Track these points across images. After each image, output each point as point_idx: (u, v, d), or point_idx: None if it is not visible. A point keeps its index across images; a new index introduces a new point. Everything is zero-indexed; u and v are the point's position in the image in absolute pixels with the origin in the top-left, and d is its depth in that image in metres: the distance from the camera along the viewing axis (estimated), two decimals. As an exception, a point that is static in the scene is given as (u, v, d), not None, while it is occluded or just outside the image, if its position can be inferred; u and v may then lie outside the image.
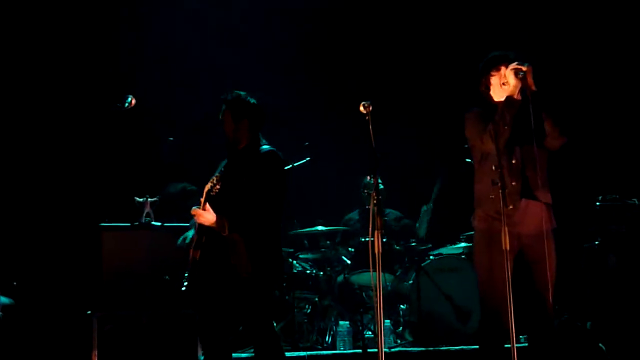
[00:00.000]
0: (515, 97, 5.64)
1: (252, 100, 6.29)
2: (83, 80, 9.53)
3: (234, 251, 5.96)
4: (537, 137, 5.58)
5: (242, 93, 6.30)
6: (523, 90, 5.63)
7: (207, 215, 5.97)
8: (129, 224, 7.14)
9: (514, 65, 5.66)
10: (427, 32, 10.47)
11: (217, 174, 6.00)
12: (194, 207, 6.02)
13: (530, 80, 5.62)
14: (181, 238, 6.36)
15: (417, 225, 9.43)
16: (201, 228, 6.06)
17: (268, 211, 6.05)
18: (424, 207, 9.36)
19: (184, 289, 6.05)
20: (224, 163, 6.31)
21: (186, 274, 6.05)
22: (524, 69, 5.61)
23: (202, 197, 5.99)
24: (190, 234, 6.24)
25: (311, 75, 10.49)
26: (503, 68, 5.81)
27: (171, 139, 8.89)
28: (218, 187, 5.95)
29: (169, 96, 9.91)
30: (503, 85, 5.79)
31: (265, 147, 6.22)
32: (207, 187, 5.96)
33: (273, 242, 6.13)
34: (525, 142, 5.64)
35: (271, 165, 6.12)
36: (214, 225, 5.96)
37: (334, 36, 10.54)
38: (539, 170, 5.64)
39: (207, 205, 5.97)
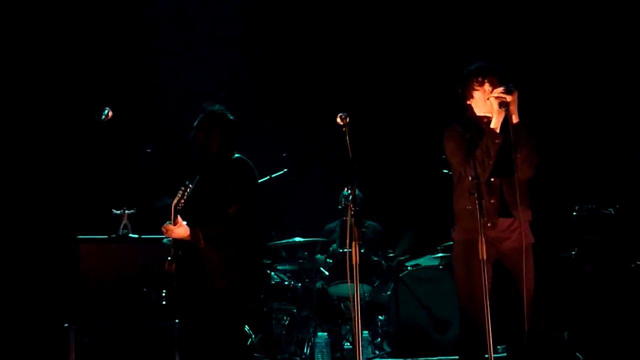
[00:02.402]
0: (497, 130, 5.65)
1: (231, 116, 6.33)
2: (60, 92, 9.49)
3: (209, 262, 5.97)
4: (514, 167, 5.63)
5: (222, 107, 6.36)
6: (504, 119, 5.65)
7: (179, 230, 5.98)
8: (106, 236, 7.12)
9: (499, 92, 5.63)
10: (407, 43, 10.49)
11: (182, 187, 6.01)
12: (165, 223, 6.02)
13: (513, 109, 5.63)
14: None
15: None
16: (177, 242, 6.06)
17: (241, 220, 6.05)
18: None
19: (164, 303, 6.06)
20: (196, 179, 6.33)
21: (165, 289, 6.06)
22: (508, 99, 5.61)
23: (171, 211, 5.99)
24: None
25: (289, 86, 10.50)
26: (487, 84, 5.79)
27: (149, 150, 8.87)
28: (183, 201, 5.97)
29: (147, 107, 9.89)
30: (487, 100, 5.77)
31: (236, 155, 6.25)
32: (174, 201, 5.98)
33: (250, 251, 6.13)
34: (505, 166, 5.66)
35: (241, 173, 6.14)
36: (188, 238, 5.97)
37: (312, 48, 10.55)
38: (518, 189, 5.65)
39: (179, 218, 5.97)
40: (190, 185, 6.05)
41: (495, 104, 5.63)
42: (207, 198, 6.11)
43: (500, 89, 5.64)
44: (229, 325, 6.04)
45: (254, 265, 6.22)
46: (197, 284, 6.03)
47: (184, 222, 6.02)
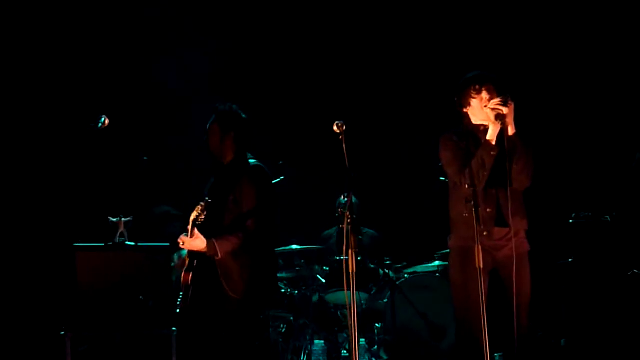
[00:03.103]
0: (493, 141, 5.64)
1: (243, 115, 6.29)
2: (56, 99, 9.48)
3: (225, 273, 5.96)
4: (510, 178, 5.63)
5: (234, 106, 6.30)
6: (500, 132, 5.64)
7: (196, 242, 5.95)
8: (102, 244, 7.10)
9: (495, 104, 5.62)
10: (403, 50, 10.49)
11: (202, 203, 5.94)
12: (181, 235, 6.01)
13: (509, 121, 5.61)
14: (176, 255, 6.36)
15: None
16: (192, 252, 6.04)
17: (258, 232, 6.04)
18: None
19: (178, 311, 6.06)
20: (210, 183, 6.31)
21: (180, 296, 6.06)
22: (504, 111, 5.59)
23: (188, 224, 5.97)
24: (184, 252, 6.23)
25: (286, 92, 10.50)
26: (485, 92, 5.77)
27: (145, 158, 8.87)
28: (203, 216, 5.91)
29: (144, 114, 9.89)
30: (485, 107, 5.75)
31: (252, 161, 6.22)
32: (193, 215, 5.93)
33: (266, 262, 6.13)
34: (501, 177, 5.65)
35: (259, 184, 6.11)
36: (205, 251, 5.94)
37: (309, 54, 10.55)
38: (515, 199, 5.65)
39: (196, 231, 5.93)
40: (210, 201, 5.99)
41: (491, 115, 5.63)
42: (224, 209, 6.08)
43: (497, 100, 5.62)
44: (243, 335, 6.03)
45: (270, 276, 6.23)
46: (213, 294, 6.03)
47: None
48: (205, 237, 5.95)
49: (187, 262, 6.09)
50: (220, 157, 6.26)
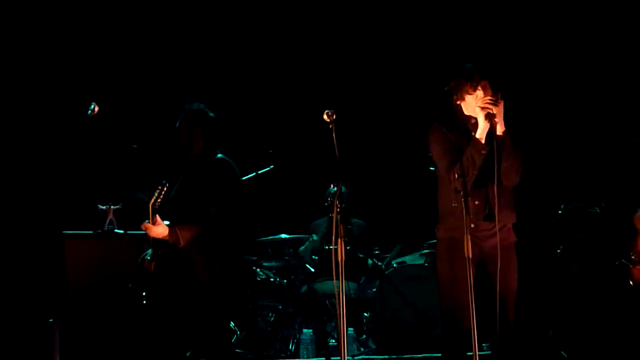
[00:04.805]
0: (482, 140, 5.63)
1: (211, 114, 6.35)
2: (46, 86, 9.46)
3: (190, 262, 5.98)
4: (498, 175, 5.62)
5: (201, 105, 6.36)
6: (490, 129, 5.63)
7: (158, 229, 5.97)
8: (91, 232, 7.10)
9: (485, 103, 5.62)
10: (391, 39, 10.49)
11: (159, 187, 5.98)
12: (144, 222, 6.02)
13: (499, 119, 5.60)
14: (141, 257, 6.36)
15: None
16: (157, 241, 6.06)
17: (221, 220, 6.05)
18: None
19: (144, 302, 6.08)
20: (179, 179, 6.34)
21: (145, 288, 6.08)
22: (494, 110, 5.59)
23: (149, 211, 5.99)
24: (150, 252, 6.24)
25: (276, 82, 10.49)
26: (480, 89, 5.73)
27: (135, 146, 8.86)
28: (159, 200, 5.94)
29: (133, 102, 9.88)
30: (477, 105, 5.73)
31: (220, 156, 6.25)
32: (152, 200, 5.96)
33: (231, 250, 6.13)
34: (490, 174, 5.64)
35: (222, 174, 6.14)
36: (167, 238, 5.96)
37: (299, 43, 10.54)
38: (503, 194, 5.65)
39: (158, 217, 5.95)
40: (167, 185, 6.02)
41: (480, 117, 5.61)
42: (189, 199, 6.12)
43: (487, 99, 5.60)
44: (209, 324, 6.04)
45: (236, 264, 6.23)
46: (178, 283, 6.04)
47: (165, 222, 6.01)
48: (170, 225, 5.98)
49: (152, 250, 6.11)
50: (186, 149, 6.31)
